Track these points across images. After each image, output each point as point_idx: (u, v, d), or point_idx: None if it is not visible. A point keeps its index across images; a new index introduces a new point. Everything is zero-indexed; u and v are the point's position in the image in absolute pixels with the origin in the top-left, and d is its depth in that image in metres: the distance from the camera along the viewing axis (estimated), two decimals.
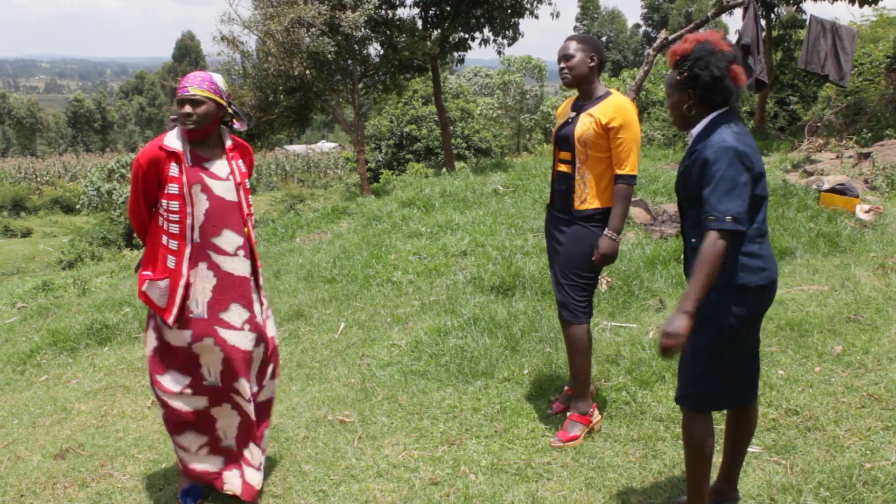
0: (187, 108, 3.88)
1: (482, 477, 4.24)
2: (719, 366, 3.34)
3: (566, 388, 4.99)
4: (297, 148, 63.75)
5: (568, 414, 4.70)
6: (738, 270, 3.24)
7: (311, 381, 5.92)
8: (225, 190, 3.98)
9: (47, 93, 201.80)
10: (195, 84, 3.87)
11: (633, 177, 4.36)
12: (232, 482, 4.09)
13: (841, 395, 4.59)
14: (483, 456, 4.47)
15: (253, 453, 4.14)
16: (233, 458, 4.11)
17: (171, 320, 3.88)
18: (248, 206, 4.10)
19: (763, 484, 3.81)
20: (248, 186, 4.12)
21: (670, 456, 4.20)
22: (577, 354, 4.61)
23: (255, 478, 4.12)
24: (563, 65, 4.50)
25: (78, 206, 35.63)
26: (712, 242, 3.09)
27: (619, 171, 4.36)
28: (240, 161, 4.09)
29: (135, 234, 4.01)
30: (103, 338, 7.68)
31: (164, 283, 3.88)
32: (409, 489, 4.18)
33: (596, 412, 4.72)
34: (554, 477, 4.18)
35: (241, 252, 4.03)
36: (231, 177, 4.01)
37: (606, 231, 4.36)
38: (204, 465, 4.07)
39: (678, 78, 3.35)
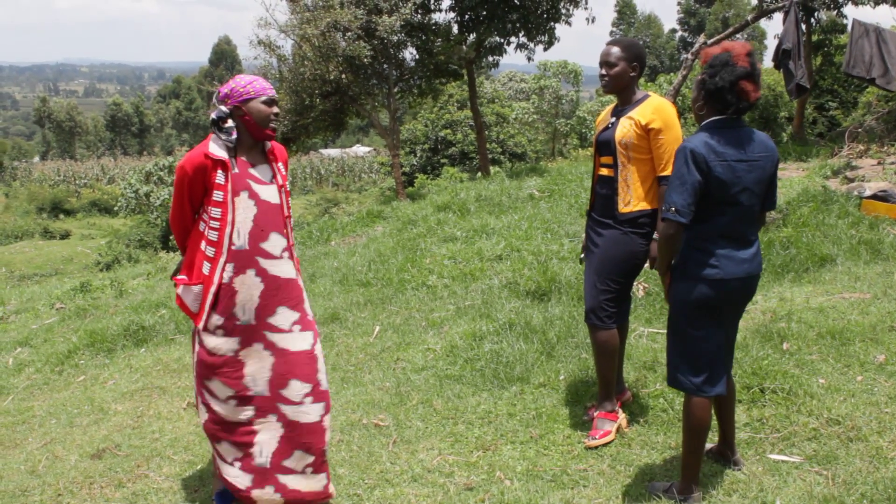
0: (276, 108, 3.95)
1: (517, 483, 4.21)
2: (680, 347, 3.76)
3: None
4: (332, 152, 64.05)
5: (594, 414, 4.70)
6: (689, 261, 3.67)
7: (346, 384, 5.92)
8: (270, 194, 3.98)
9: (86, 97, 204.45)
10: (269, 85, 3.92)
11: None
12: (265, 497, 4.01)
13: (884, 406, 4.50)
14: (518, 462, 4.44)
15: (298, 460, 4.04)
16: (263, 476, 4.01)
17: (200, 326, 3.90)
18: (288, 208, 4.11)
19: (804, 495, 3.75)
20: (288, 188, 4.12)
21: (708, 465, 4.14)
22: (602, 357, 4.62)
23: (300, 483, 4.04)
24: (604, 71, 4.47)
25: (116, 209, 35.97)
26: (663, 227, 3.62)
27: (661, 173, 4.33)
28: (279, 164, 4.09)
29: (171, 237, 4.01)
30: (140, 339, 7.74)
31: (197, 289, 3.88)
32: (444, 494, 4.16)
33: (621, 411, 4.71)
34: (590, 484, 4.14)
35: (286, 254, 4.03)
36: (274, 180, 4.02)
37: (656, 235, 4.33)
38: (234, 479, 4.02)
39: (699, 79, 3.68)
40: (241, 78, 3.95)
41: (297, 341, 4.02)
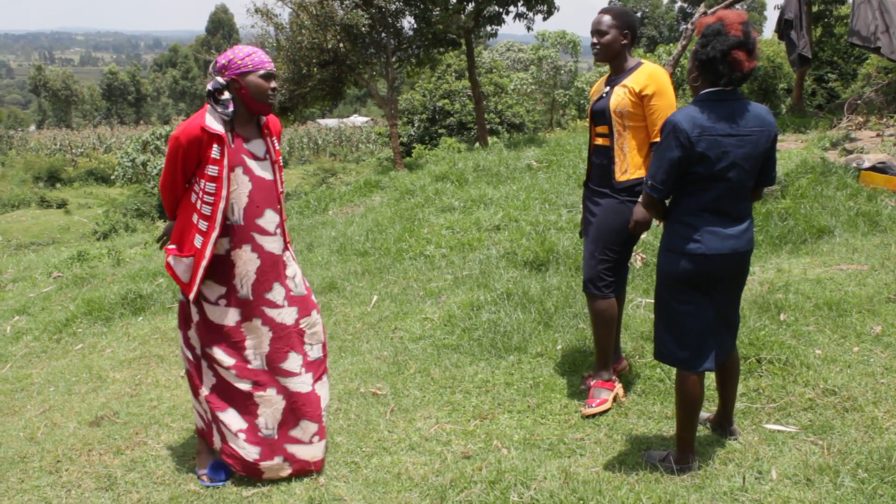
0: (274, 83, 3.89)
1: (514, 451, 4.22)
2: (665, 321, 3.77)
3: None
4: (330, 122, 63.82)
5: (591, 383, 4.72)
6: (673, 235, 3.66)
7: (344, 353, 5.93)
8: (264, 169, 3.97)
9: (82, 65, 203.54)
10: (268, 58, 3.88)
11: None
12: (275, 468, 4.07)
13: (880, 376, 4.51)
14: (515, 430, 4.46)
15: (304, 429, 4.10)
16: (271, 447, 4.06)
17: (191, 296, 3.90)
18: (281, 183, 4.09)
19: (800, 464, 3.76)
20: (281, 163, 4.10)
21: (703, 433, 4.16)
22: (600, 327, 4.63)
23: (307, 452, 4.11)
24: (595, 40, 4.46)
25: (112, 178, 35.87)
26: (642, 196, 3.73)
27: (654, 139, 4.32)
28: (274, 138, 4.06)
29: None
30: (137, 308, 7.75)
31: (188, 261, 3.86)
32: (441, 462, 4.18)
33: (617, 381, 4.74)
34: (587, 453, 4.16)
35: (279, 230, 4.04)
36: (268, 155, 4.00)
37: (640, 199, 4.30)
38: (241, 451, 4.04)
39: (693, 49, 3.60)
40: (239, 49, 3.89)
41: (289, 316, 4.06)
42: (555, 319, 5.90)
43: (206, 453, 4.24)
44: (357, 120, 68.35)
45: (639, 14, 60.23)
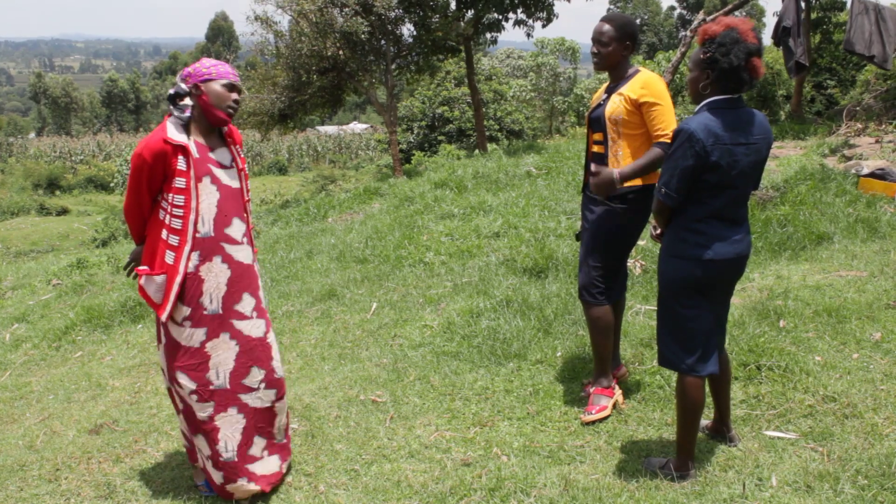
0: (236, 95, 3.87)
1: (514, 459, 4.22)
2: (670, 327, 3.76)
3: None
4: (329, 129, 63.92)
5: (591, 390, 4.71)
6: (680, 241, 3.66)
7: (344, 360, 5.93)
8: (231, 178, 3.92)
9: (82, 72, 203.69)
10: (234, 72, 3.86)
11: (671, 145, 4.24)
12: (241, 490, 4.01)
13: (880, 383, 4.51)
14: (515, 438, 4.45)
15: (257, 445, 4.05)
16: (233, 470, 3.98)
17: (164, 316, 3.80)
18: (248, 191, 4.05)
19: (800, 471, 3.76)
20: (247, 171, 4.07)
21: (703, 441, 4.15)
22: (596, 334, 4.64)
23: (261, 467, 4.06)
24: (595, 49, 4.44)
25: (112, 185, 35.87)
26: (654, 202, 3.70)
27: (658, 139, 4.25)
28: (238, 146, 4.03)
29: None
30: (137, 315, 7.74)
31: (160, 279, 3.77)
32: (441, 470, 4.17)
33: (617, 387, 4.74)
34: (587, 460, 4.16)
35: (245, 239, 3.98)
36: (234, 164, 3.96)
37: (615, 170, 4.20)
38: (213, 474, 4.01)
39: (701, 57, 3.56)
40: (206, 60, 3.89)
41: (256, 328, 4.00)
42: (554, 326, 5.90)
43: (200, 469, 4.23)
44: (356, 127, 68.43)
45: (638, 21, 60.38)
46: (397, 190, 11.74)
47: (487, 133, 29.59)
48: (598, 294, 4.55)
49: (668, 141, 4.19)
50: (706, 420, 4.26)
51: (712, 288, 3.69)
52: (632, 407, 4.68)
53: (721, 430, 4.16)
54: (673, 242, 3.70)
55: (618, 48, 4.39)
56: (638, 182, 4.35)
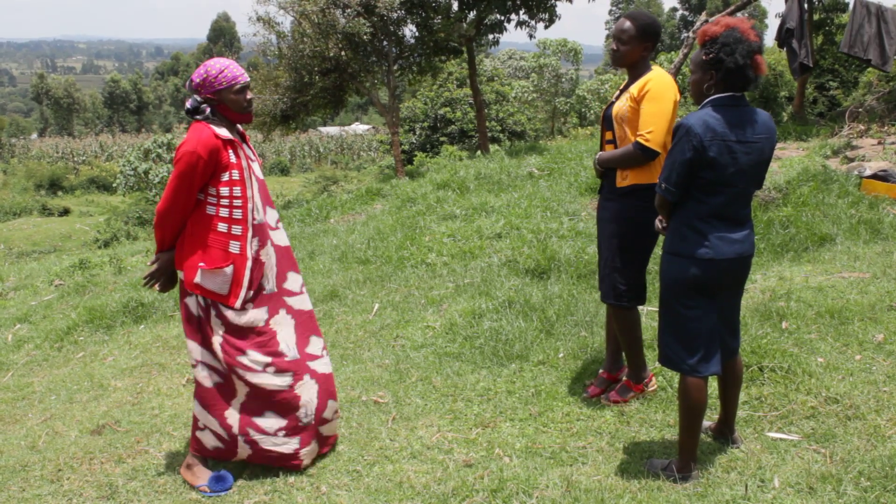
0: (249, 94, 4.01)
1: (516, 460, 4.22)
2: (672, 327, 3.75)
3: (601, 371, 4.97)
4: (331, 130, 63.93)
5: (623, 378, 4.77)
6: (681, 240, 3.66)
7: (346, 361, 5.93)
8: (259, 169, 4.13)
9: (84, 73, 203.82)
10: (241, 70, 3.98)
11: (646, 147, 4.19)
12: (312, 453, 4.27)
13: (882, 384, 4.51)
14: (517, 439, 4.45)
15: (331, 409, 4.32)
16: (309, 434, 4.21)
17: (238, 304, 3.94)
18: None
19: (802, 473, 3.76)
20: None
21: (706, 442, 4.15)
22: (622, 333, 4.66)
23: (330, 428, 4.37)
24: (615, 46, 4.42)
25: (114, 186, 35.81)
26: (656, 197, 3.75)
27: (637, 138, 4.23)
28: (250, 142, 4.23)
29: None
30: (139, 316, 7.75)
31: (229, 270, 3.90)
32: (443, 471, 4.17)
33: (654, 381, 4.79)
34: (589, 461, 4.15)
35: (279, 224, 4.22)
36: (255, 156, 4.14)
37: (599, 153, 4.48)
38: (280, 447, 4.14)
39: (704, 58, 3.58)
40: (212, 66, 3.95)
41: (304, 303, 4.26)
42: (556, 327, 5.90)
43: (199, 466, 4.24)
44: (358, 128, 68.42)
45: None
46: (399, 191, 11.73)
47: (489, 134, 29.57)
48: (619, 295, 4.55)
49: (646, 143, 4.19)
50: (709, 421, 4.25)
51: (714, 288, 3.67)
52: (634, 408, 4.68)
53: (724, 432, 4.15)
54: (674, 240, 3.71)
55: (636, 47, 4.35)
56: (643, 180, 4.33)
